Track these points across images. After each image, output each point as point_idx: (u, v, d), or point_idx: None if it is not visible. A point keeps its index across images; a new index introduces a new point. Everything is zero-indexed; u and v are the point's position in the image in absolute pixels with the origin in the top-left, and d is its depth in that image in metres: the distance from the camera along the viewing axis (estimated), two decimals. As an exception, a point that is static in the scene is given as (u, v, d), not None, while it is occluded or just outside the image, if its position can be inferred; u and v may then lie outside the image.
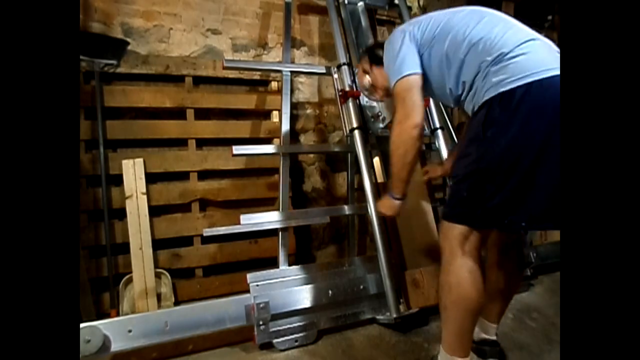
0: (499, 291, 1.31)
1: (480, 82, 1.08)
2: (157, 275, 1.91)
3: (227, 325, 1.43)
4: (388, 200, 1.39)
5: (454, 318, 1.11)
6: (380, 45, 1.42)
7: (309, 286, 1.57)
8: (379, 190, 1.75)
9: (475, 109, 1.10)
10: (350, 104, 1.81)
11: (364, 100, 1.89)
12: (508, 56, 1.04)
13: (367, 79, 1.54)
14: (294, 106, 2.40)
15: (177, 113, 2.05)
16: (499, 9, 3.15)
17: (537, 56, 1.02)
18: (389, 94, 1.42)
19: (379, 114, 1.89)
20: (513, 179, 1.00)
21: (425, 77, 1.23)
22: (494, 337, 1.37)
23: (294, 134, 2.39)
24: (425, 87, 1.25)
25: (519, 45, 1.04)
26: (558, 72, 0.98)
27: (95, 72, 1.82)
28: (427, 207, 1.89)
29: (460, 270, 1.09)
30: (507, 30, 1.09)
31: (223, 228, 1.74)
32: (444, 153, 2.01)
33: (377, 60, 1.45)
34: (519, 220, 1.03)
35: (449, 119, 2.26)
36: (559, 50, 1.07)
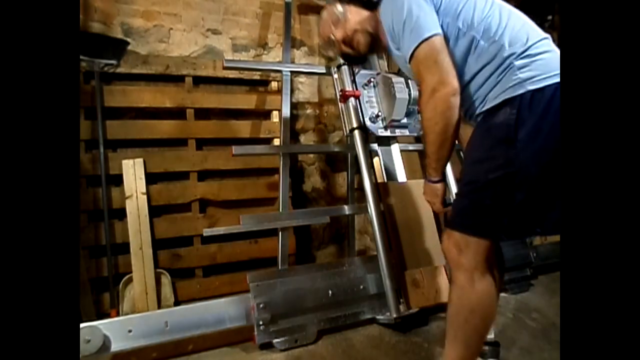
0: None
1: (499, 76, 0.97)
2: (157, 275, 1.91)
3: (227, 325, 1.43)
4: (428, 186, 1.21)
5: (468, 340, 1.02)
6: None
7: (309, 286, 1.57)
8: (379, 190, 1.75)
9: (488, 106, 1.00)
10: (350, 104, 1.81)
11: (364, 100, 1.89)
12: (535, 51, 0.95)
13: (334, 28, 1.27)
14: (294, 106, 2.40)
15: (177, 113, 2.05)
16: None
17: (558, 55, 0.96)
18: (366, 42, 1.23)
19: (379, 114, 1.89)
20: (543, 185, 0.92)
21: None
22: (492, 336, 1.36)
23: (294, 134, 2.39)
24: None
25: (541, 41, 0.97)
26: None
27: (95, 72, 1.82)
28: (427, 206, 1.89)
29: (484, 296, 0.99)
30: (527, 24, 1.02)
31: (223, 228, 1.74)
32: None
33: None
34: (547, 228, 0.97)
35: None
36: None
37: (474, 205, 1.01)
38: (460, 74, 1.02)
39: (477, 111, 1.05)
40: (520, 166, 0.93)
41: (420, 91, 1.08)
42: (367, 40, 1.23)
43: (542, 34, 1.01)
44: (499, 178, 0.95)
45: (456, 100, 0.99)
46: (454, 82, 0.99)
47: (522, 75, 0.94)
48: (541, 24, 3.08)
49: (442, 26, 1.03)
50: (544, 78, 0.92)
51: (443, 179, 1.18)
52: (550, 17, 3.05)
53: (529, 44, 0.96)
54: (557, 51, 0.98)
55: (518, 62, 0.95)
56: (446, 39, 1.03)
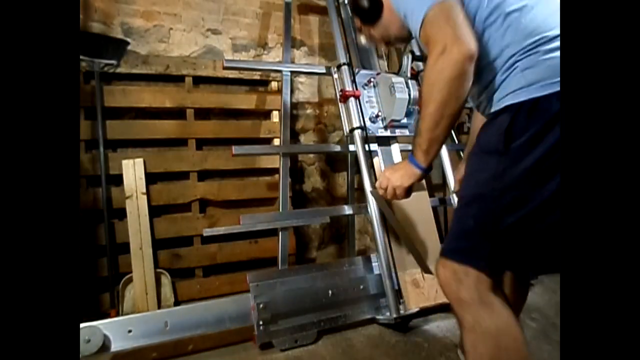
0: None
1: (503, 75, 0.83)
2: (157, 275, 1.91)
3: (227, 325, 1.43)
4: (408, 167, 0.96)
5: None
6: None
7: (309, 286, 1.57)
8: (379, 190, 1.75)
9: (493, 109, 0.87)
10: (350, 104, 1.81)
11: (364, 100, 1.88)
12: (546, 47, 0.79)
13: (364, 38, 1.19)
14: (294, 106, 2.40)
15: (177, 113, 2.05)
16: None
17: None
18: (394, 41, 1.11)
19: (379, 114, 1.89)
20: (533, 209, 0.78)
21: None
22: None
23: (294, 134, 2.39)
24: None
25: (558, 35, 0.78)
26: None
27: (95, 72, 1.82)
28: (427, 206, 1.89)
29: (498, 334, 0.81)
30: (550, 9, 0.83)
31: (223, 228, 1.74)
32: (444, 154, 2.01)
33: (367, 17, 1.09)
34: (541, 268, 0.85)
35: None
36: None
37: (458, 225, 0.87)
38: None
39: (486, 111, 0.92)
40: (509, 183, 0.78)
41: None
42: (398, 35, 1.08)
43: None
44: (482, 195, 0.81)
45: (470, 67, 0.80)
46: (471, 42, 0.79)
47: (527, 78, 0.79)
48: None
49: None
50: (551, 84, 0.77)
51: (429, 170, 0.96)
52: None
53: (542, 38, 0.80)
54: None
55: (523, 61, 0.81)
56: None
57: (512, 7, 0.82)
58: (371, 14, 1.06)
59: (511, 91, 0.81)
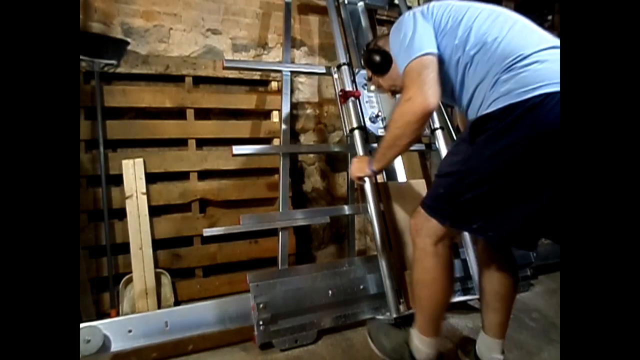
0: (495, 298, 1.23)
1: (488, 92, 0.97)
2: (157, 275, 1.91)
3: (227, 325, 1.43)
4: (364, 164, 1.33)
5: (427, 308, 1.17)
6: (375, 51, 1.29)
7: (309, 286, 1.57)
8: (379, 191, 1.75)
9: (476, 118, 1.03)
10: (350, 104, 1.81)
11: (364, 100, 1.89)
12: (522, 63, 0.93)
13: (373, 86, 1.43)
14: (294, 106, 2.40)
15: (177, 113, 2.05)
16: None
17: (556, 66, 0.90)
18: (400, 90, 1.26)
19: (379, 114, 1.89)
20: (486, 190, 0.98)
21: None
22: (501, 357, 1.25)
23: (294, 134, 2.39)
24: None
25: (537, 52, 0.94)
26: None
27: (95, 72, 1.82)
28: (424, 193, 1.88)
29: (436, 268, 1.11)
30: (526, 34, 1.00)
31: (223, 228, 1.74)
32: (444, 153, 2.01)
33: (377, 69, 1.31)
34: (486, 230, 1.03)
35: (449, 119, 2.25)
36: None
37: (433, 190, 1.12)
38: (460, 91, 1.07)
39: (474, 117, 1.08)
40: (469, 168, 0.99)
41: None
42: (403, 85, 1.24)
43: (544, 42, 0.97)
44: (453, 172, 1.04)
45: (424, 117, 1.04)
46: (431, 100, 1.01)
47: (502, 89, 0.94)
48: (541, 24, 3.10)
49: (439, 44, 1.07)
50: (522, 92, 0.90)
51: (379, 173, 1.34)
52: (550, 17, 3.05)
53: (519, 54, 0.94)
54: (555, 60, 0.93)
55: (503, 77, 0.95)
56: (444, 56, 1.07)
57: (493, 37, 0.99)
58: (381, 66, 1.28)
59: (492, 101, 0.96)
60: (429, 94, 1.01)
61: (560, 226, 0.98)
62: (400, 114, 1.07)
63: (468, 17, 1.06)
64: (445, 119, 2.18)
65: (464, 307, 1.73)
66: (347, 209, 1.97)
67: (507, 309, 1.24)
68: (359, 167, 1.38)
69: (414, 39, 1.06)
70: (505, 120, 0.92)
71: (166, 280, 1.93)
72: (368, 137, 1.84)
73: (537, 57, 0.93)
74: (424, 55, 1.04)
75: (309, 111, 2.48)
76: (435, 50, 1.05)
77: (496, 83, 0.96)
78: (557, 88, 0.87)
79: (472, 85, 1.03)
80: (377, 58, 1.27)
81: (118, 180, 1.89)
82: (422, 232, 1.12)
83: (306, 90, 2.47)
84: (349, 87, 1.85)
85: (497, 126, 0.94)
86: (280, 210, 1.82)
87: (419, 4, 2.70)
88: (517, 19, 1.06)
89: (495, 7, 1.09)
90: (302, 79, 2.45)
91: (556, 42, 0.99)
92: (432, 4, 1.15)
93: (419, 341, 1.21)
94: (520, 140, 0.91)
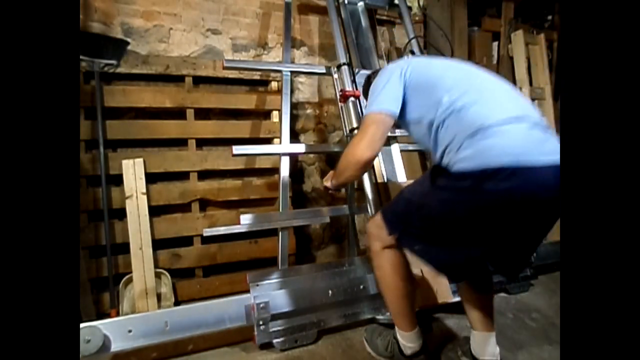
0: (471, 297, 1.31)
1: (454, 153, 1.04)
2: (157, 275, 1.91)
3: (227, 325, 1.43)
4: (329, 177, 1.47)
5: (391, 303, 1.28)
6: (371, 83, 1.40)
7: (309, 286, 1.57)
8: (379, 190, 1.75)
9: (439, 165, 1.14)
10: (350, 104, 1.81)
11: (364, 100, 1.89)
12: (481, 135, 1.00)
13: None
14: (294, 106, 2.40)
15: (177, 113, 2.05)
16: (499, 9, 3.12)
17: (511, 142, 0.98)
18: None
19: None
20: (433, 226, 1.09)
21: (405, 119, 1.21)
22: (496, 349, 1.28)
23: (294, 134, 2.39)
24: (406, 127, 1.26)
25: (497, 125, 1.00)
26: (529, 162, 0.93)
27: (95, 72, 1.82)
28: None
29: (386, 264, 1.23)
30: (494, 103, 1.06)
31: (223, 228, 1.74)
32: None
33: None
34: (425, 256, 1.14)
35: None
36: (547, 128, 1.04)
37: (394, 205, 1.24)
38: (434, 146, 1.15)
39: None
40: (424, 203, 1.10)
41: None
42: None
43: (508, 112, 1.03)
44: (411, 200, 1.16)
45: (360, 165, 1.19)
46: (367, 154, 1.17)
47: (463, 155, 1.01)
48: (541, 24, 3.10)
49: (411, 101, 1.18)
50: (477, 162, 0.98)
51: (334, 190, 1.47)
52: (550, 17, 3.05)
53: (481, 126, 1.01)
54: (520, 135, 0.99)
55: (466, 143, 1.02)
56: (417, 113, 1.17)
57: (463, 102, 1.07)
58: None
59: (454, 162, 1.04)
60: (368, 147, 1.16)
61: (505, 263, 1.19)
62: (345, 153, 1.23)
63: (443, 80, 1.14)
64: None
65: (463, 308, 1.73)
66: (347, 209, 1.97)
67: (487, 305, 1.32)
68: (327, 177, 1.49)
69: (380, 94, 1.18)
70: (460, 181, 1.01)
71: (166, 280, 1.93)
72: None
73: (496, 129, 1.00)
74: (380, 112, 1.17)
75: (309, 111, 2.48)
76: (392, 111, 1.17)
77: (460, 147, 1.03)
78: (507, 162, 0.94)
79: (443, 144, 1.09)
80: None
81: (118, 180, 1.89)
82: (373, 236, 1.25)
83: (306, 90, 2.47)
84: (349, 87, 1.85)
85: (453, 182, 1.03)
86: (280, 210, 1.82)
87: (419, 4, 2.70)
88: (489, 86, 1.12)
89: (472, 71, 1.17)
90: (302, 79, 2.45)
91: (522, 110, 1.05)
92: (412, 63, 1.24)
93: (401, 337, 1.31)
94: (466, 202, 1.02)
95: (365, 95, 1.44)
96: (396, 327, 1.32)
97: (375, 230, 1.24)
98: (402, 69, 1.21)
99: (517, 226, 1.03)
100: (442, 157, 1.10)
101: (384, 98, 1.18)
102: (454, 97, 1.09)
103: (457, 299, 1.71)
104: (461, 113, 1.06)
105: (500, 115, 1.02)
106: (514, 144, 0.97)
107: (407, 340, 1.30)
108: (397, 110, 1.18)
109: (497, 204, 0.98)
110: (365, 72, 1.94)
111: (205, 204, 2.10)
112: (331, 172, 1.48)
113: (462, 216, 1.04)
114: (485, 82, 1.14)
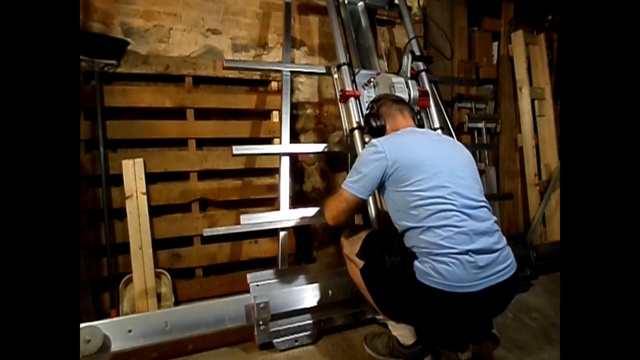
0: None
1: (417, 237, 1.17)
2: (157, 275, 1.91)
3: (227, 325, 1.43)
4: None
5: (369, 299, 1.34)
6: (373, 115, 1.48)
7: (309, 286, 1.57)
8: (379, 190, 1.75)
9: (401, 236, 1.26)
10: (350, 104, 1.81)
11: (364, 100, 1.88)
12: (437, 252, 1.12)
13: None
14: (294, 106, 2.40)
15: (177, 113, 2.05)
16: (499, 9, 3.11)
17: (458, 271, 1.09)
18: None
19: (379, 114, 1.89)
20: (386, 282, 1.23)
21: (386, 194, 1.31)
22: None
23: (294, 134, 2.39)
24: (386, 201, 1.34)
25: (459, 255, 1.10)
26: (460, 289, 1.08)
27: (95, 72, 1.82)
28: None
29: (357, 269, 1.34)
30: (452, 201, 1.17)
31: (223, 228, 1.74)
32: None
33: (371, 131, 1.48)
34: (379, 299, 1.30)
35: (448, 119, 2.26)
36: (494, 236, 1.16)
37: (366, 240, 1.35)
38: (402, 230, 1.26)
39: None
40: (386, 258, 1.24)
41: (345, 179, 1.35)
42: None
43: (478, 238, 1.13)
44: (381, 245, 1.29)
45: (331, 223, 1.37)
46: (331, 222, 1.35)
47: (418, 262, 1.15)
48: (541, 24, 3.10)
49: (392, 178, 1.25)
50: (429, 278, 1.11)
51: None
52: (550, 17, 3.05)
53: (436, 243, 1.12)
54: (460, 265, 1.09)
55: (422, 250, 1.16)
56: (395, 186, 1.25)
57: (433, 196, 1.18)
58: (375, 131, 1.45)
59: (415, 253, 1.19)
60: (333, 218, 1.34)
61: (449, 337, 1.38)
62: (326, 209, 1.36)
63: (417, 168, 1.22)
64: (445, 119, 2.19)
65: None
66: (347, 209, 1.96)
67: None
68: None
69: (359, 177, 1.28)
70: (410, 274, 1.15)
71: (166, 280, 1.93)
72: (368, 137, 1.84)
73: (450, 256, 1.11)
74: (354, 194, 1.28)
75: (309, 111, 2.48)
76: (363, 199, 1.29)
77: (419, 242, 1.17)
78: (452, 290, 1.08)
79: (414, 224, 1.20)
80: (374, 124, 1.46)
81: (118, 180, 1.89)
82: (345, 247, 1.41)
83: (306, 90, 2.47)
84: (349, 87, 1.85)
85: (406, 266, 1.17)
86: (280, 210, 1.82)
87: (419, 4, 2.70)
88: (456, 189, 1.20)
89: (445, 169, 1.23)
90: (302, 79, 2.45)
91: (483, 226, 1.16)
92: (403, 143, 1.30)
93: (393, 328, 1.37)
94: (406, 288, 1.17)
95: (367, 123, 1.49)
96: (386, 321, 1.38)
97: (346, 242, 1.41)
98: (385, 155, 1.25)
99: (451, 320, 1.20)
100: (405, 233, 1.22)
101: (360, 182, 1.28)
102: (426, 194, 1.19)
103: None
104: (428, 204, 1.17)
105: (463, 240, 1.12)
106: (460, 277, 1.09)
107: (399, 330, 1.36)
108: (366, 197, 1.30)
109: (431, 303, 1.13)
110: (366, 72, 1.94)
111: (205, 204, 2.10)
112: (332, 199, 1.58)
113: (405, 299, 1.19)
114: (454, 182, 1.21)
